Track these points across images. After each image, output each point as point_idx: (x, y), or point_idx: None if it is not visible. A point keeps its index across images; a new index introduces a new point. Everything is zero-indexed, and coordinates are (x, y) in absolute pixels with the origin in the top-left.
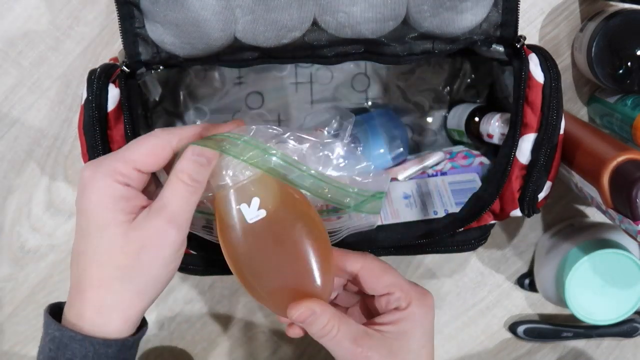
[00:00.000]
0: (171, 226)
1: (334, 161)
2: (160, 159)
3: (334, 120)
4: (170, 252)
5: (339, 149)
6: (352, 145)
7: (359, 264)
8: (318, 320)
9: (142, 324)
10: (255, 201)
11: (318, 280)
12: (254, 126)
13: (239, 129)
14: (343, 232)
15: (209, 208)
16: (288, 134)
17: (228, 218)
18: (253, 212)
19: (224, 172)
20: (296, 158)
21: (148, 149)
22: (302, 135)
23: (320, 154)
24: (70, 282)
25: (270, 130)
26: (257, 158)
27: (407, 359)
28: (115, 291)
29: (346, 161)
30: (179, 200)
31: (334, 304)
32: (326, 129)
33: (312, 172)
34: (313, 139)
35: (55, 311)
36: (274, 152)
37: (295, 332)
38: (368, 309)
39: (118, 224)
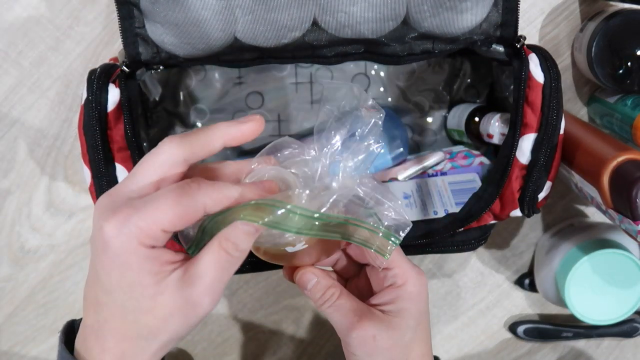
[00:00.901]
0: (206, 297)
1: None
2: (190, 222)
3: (360, 128)
4: (200, 318)
5: (370, 182)
6: (376, 145)
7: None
8: (319, 285)
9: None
10: (300, 244)
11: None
12: (287, 170)
13: (274, 172)
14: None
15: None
16: (323, 160)
17: (272, 251)
18: (296, 248)
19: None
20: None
21: (179, 212)
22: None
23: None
24: (84, 320)
25: (298, 159)
26: (305, 226)
27: (404, 335)
28: (139, 346)
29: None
30: (218, 272)
31: (335, 271)
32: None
33: (350, 220)
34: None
35: (69, 337)
36: (318, 215)
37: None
38: (366, 283)
39: (145, 287)
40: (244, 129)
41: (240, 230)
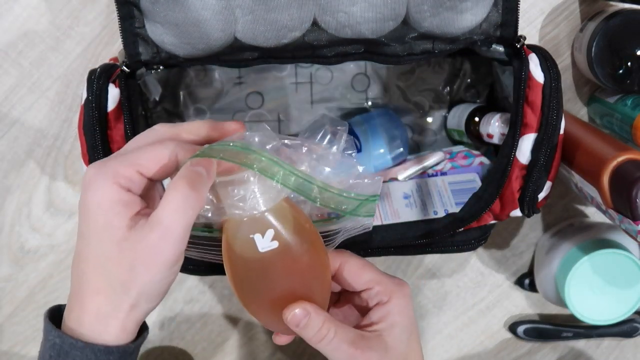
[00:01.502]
0: (165, 242)
1: (328, 168)
2: (166, 169)
3: (325, 130)
4: (163, 268)
5: (334, 156)
6: (346, 152)
7: (337, 262)
8: (313, 322)
9: (143, 329)
10: (270, 233)
11: (319, 296)
12: (249, 132)
13: (238, 135)
14: (338, 238)
15: (210, 226)
16: (285, 140)
17: (238, 245)
18: (266, 242)
19: (237, 197)
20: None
21: (155, 156)
22: (296, 142)
23: (314, 160)
24: (70, 285)
25: (265, 138)
26: (278, 175)
27: (400, 350)
28: (112, 300)
29: (341, 167)
30: (174, 214)
31: None
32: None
33: (320, 183)
34: (305, 146)
35: (55, 315)
36: (293, 170)
37: (281, 340)
38: (348, 307)
39: (114, 230)
40: (230, 126)
41: (190, 170)
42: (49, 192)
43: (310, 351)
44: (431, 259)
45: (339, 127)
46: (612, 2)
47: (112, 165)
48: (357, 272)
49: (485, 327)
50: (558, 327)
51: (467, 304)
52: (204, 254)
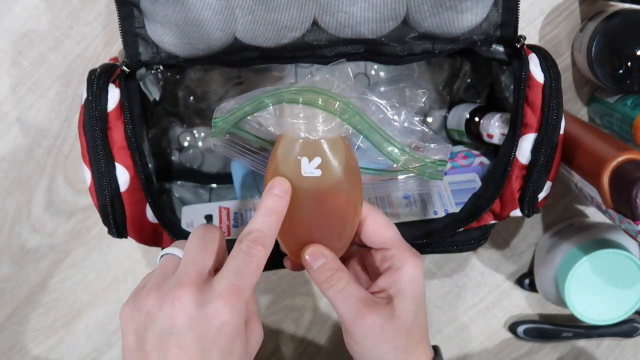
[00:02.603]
0: (221, 304)
1: (398, 125)
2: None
3: (406, 90)
4: (218, 331)
5: (404, 115)
6: (415, 117)
7: (365, 212)
8: (327, 266)
9: None
10: (317, 160)
11: (339, 242)
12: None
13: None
14: (400, 191)
15: (266, 137)
16: (361, 91)
17: (284, 162)
18: (310, 168)
19: (300, 118)
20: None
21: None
22: (369, 97)
23: (384, 115)
24: None
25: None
26: (348, 116)
27: (407, 321)
28: None
29: (411, 127)
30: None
31: None
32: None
33: (383, 132)
34: (380, 101)
35: None
36: (364, 115)
37: (289, 265)
38: (362, 266)
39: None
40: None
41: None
42: (49, 192)
43: (309, 351)
44: (431, 259)
45: (419, 91)
46: (612, 2)
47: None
48: (379, 229)
49: (485, 327)
50: (558, 327)
51: (467, 304)
52: (250, 160)
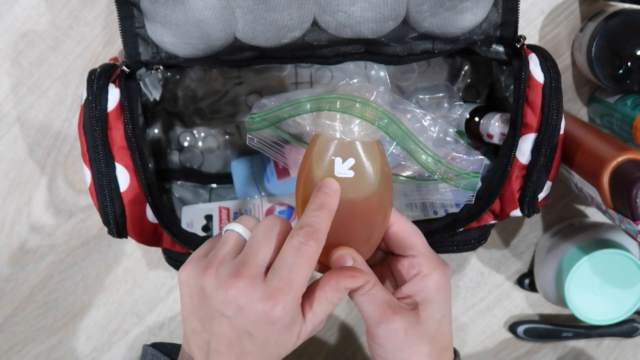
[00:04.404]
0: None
1: (433, 135)
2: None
3: (445, 102)
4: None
5: (439, 126)
6: (451, 127)
7: (393, 219)
8: (355, 269)
9: None
10: (350, 161)
11: (366, 246)
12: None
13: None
14: (437, 203)
15: (300, 135)
16: (399, 99)
17: (318, 161)
18: (344, 169)
19: (337, 120)
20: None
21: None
22: (406, 106)
23: (420, 125)
24: None
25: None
26: (385, 123)
27: (431, 328)
28: None
29: (446, 139)
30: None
31: None
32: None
33: (421, 144)
34: (416, 110)
35: None
36: (393, 117)
37: (318, 265)
38: (388, 273)
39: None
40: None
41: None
42: (49, 192)
43: (309, 351)
44: None
45: (456, 103)
46: (612, 2)
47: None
48: (407, 235)
49: (485, 327)
50: (558, 327)
51: (467, 304)
52: (280, 155)
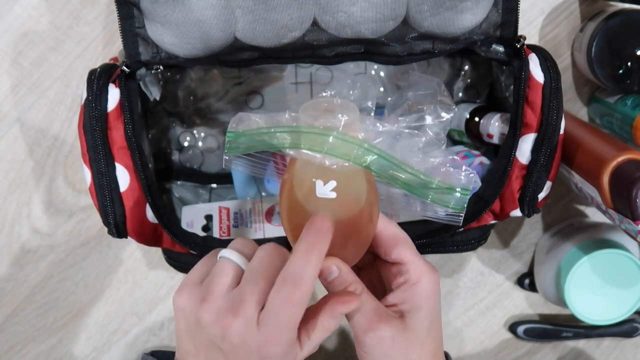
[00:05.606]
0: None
1: (420, 156)
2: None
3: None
4: None
5: (427, 139)
6: (438, 139)
7: (381, 225)
8: (342, 279)
9: None
10: (332, 184)
11: (353, 253)
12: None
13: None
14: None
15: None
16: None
17: (299, 183)
18: (325, 190)
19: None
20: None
21: None
22: (387, 128)
23: (408, 142)
24: None
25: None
26: (355, 155)
27: (420, 335)
28: None
29: (434, 153)
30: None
31: None
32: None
33: (408, 169)
34: (401, 129)
35: None
36: (374, 149)
37: None
38: (377, 276)
39: None
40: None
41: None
42: (49, 192)
43: None
44: (431, 259)
45: (444, 100)
46: (612, 2)
47: None
48: (395, 242)
49: (485, 327)
50: (558, 327)
51: (467, 304)
52: (261, 170)
